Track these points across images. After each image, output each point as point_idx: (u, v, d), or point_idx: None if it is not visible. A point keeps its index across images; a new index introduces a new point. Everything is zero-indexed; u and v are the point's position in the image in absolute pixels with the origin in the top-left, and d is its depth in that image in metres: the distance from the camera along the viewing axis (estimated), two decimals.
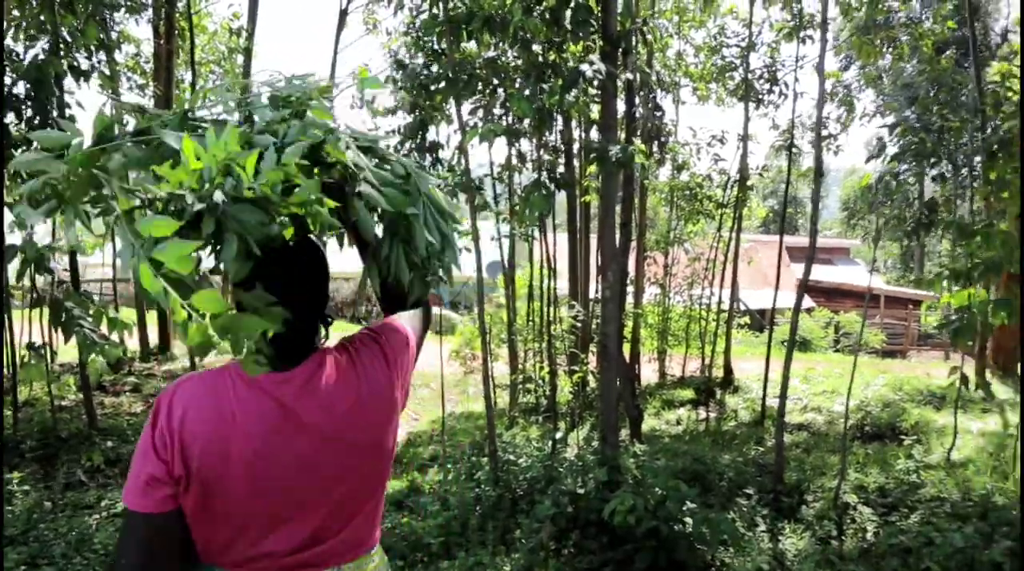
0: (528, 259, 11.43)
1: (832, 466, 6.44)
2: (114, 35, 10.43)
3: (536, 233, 9.09)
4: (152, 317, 10.40)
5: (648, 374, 11.35)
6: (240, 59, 11.61)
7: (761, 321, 21.46)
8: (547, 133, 5.99)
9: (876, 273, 39.87)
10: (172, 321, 1.20)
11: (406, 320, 1.85)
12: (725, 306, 10.53)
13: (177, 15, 10.36)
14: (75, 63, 5.73)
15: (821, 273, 31.02)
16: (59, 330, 5.23)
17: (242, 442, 1.52)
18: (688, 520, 4.62)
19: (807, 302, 27.47)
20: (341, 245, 1.75)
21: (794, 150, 8.29)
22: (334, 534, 1.64)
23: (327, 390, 1.60)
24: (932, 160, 7.53)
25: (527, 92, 3.98)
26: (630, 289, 9.95)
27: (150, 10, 10.22)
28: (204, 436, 1.51)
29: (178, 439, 1.50)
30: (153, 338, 10.31)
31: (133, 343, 10.17)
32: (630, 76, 4.47)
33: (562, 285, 9.81)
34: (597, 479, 5.02)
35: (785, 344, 20.21)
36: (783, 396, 6.00)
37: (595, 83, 4.36)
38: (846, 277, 30.91)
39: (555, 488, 5.03)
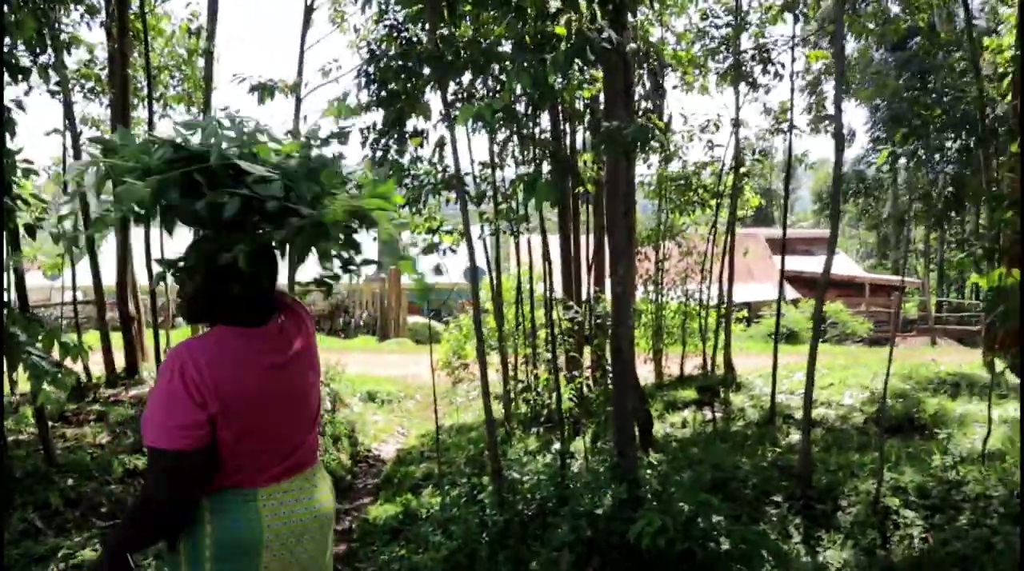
0: (507, 261, 10.93)
1: (862, 465, 5.97)
2: (64, 38, 9.81)
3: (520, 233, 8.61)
4: (117, 339, 9.74)
5: (644, 374, 10.86)
6: (201, 62, 10.99)
7: (748, 315, 21.09)
8: (539, 117, 5.47)
9: (854, 262, 39.85)
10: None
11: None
12: (721, 300, 10.10)
13: (131, 16, 9.73)
14: (12, 60, 5.14)
15: (802, 264, 30.80)
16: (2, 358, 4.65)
17: (255, 379, 1.98)
18: (723, 538, 4.13)
19: (791, 293, 27.22)
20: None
21: (795, 132, 7.84)
22: (307, 442, 2.16)
23: (290, 336, 2.13)
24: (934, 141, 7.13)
25: (526, 64, 3.48)
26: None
27: (103, 12, 9.62)
28: (228, 379, 1.90)
29: (211, 384, 1.86)
30: (120, 361, 9.66)
31: (98, 368, 9.52)
32: (635, 46, 4.00)
33: (547, 287, 9.33)
34: (616, 496, 4.52)
35: (771, 337, 19.80)
36: (808, 394, 5.54)
37: (597, 55, 3.88)
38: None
39: (570, 509, 4.52)
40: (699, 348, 10.57)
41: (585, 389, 7.22)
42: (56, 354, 4.76)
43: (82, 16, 9.85)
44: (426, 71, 4.96)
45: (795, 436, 7.48)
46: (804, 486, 5.43)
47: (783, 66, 7.85)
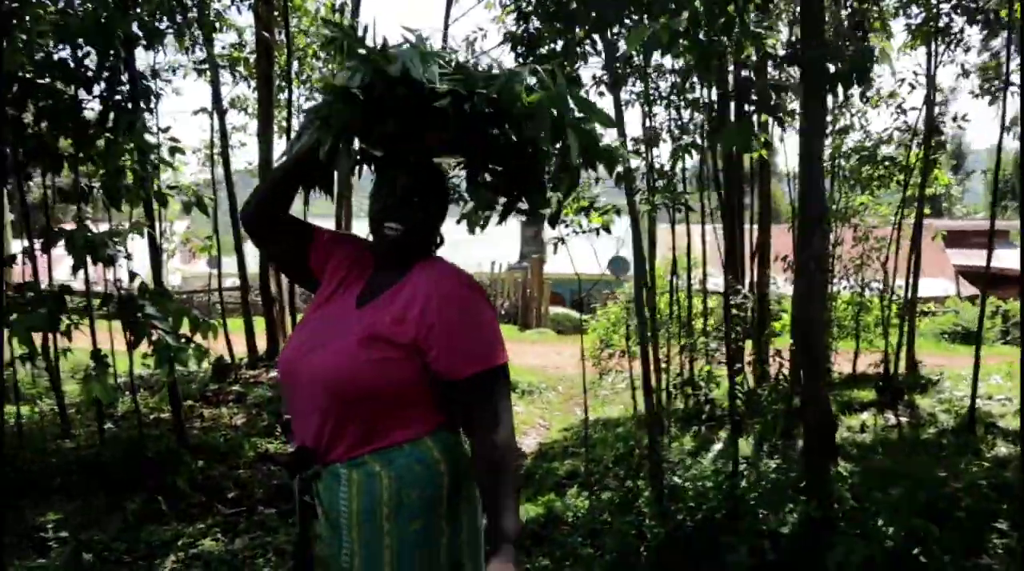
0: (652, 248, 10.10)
1: None
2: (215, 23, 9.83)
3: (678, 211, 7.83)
4: (260, 323, 9.70)
5: None
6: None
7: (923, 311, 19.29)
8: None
9: None
10: None
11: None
12: (902, 292, 8.93)
13: None
14: (147, 21, 4.88)
15: (979, 258, 28.10)
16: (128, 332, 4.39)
17: None
18: None
19: (966, 290, 24.85)
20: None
21: (1011, 91, 6.62)
22: None
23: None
24: None
25: None
26: (786, 275, 8.52)
27: None
28: None
29: None
30: (261, 344, 9.61)
31: (241, 350, 9.50)
32: None
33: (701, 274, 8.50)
34: (803, 514, 3.75)
35: (944, 336, 17.93)
36: None
37: None
38: (1009, 262, 27.87)
39: (747, 526, 3.78)
40: (874, 345, 9.43)
41: (751, 383, 6.39)
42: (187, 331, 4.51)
43: (232, 0, 9.86)
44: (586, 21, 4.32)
45: (1003, 448, 6.38)
46: None
47: (995, 15, 6.61)
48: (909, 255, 8.27)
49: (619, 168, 1.89)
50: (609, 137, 1.83)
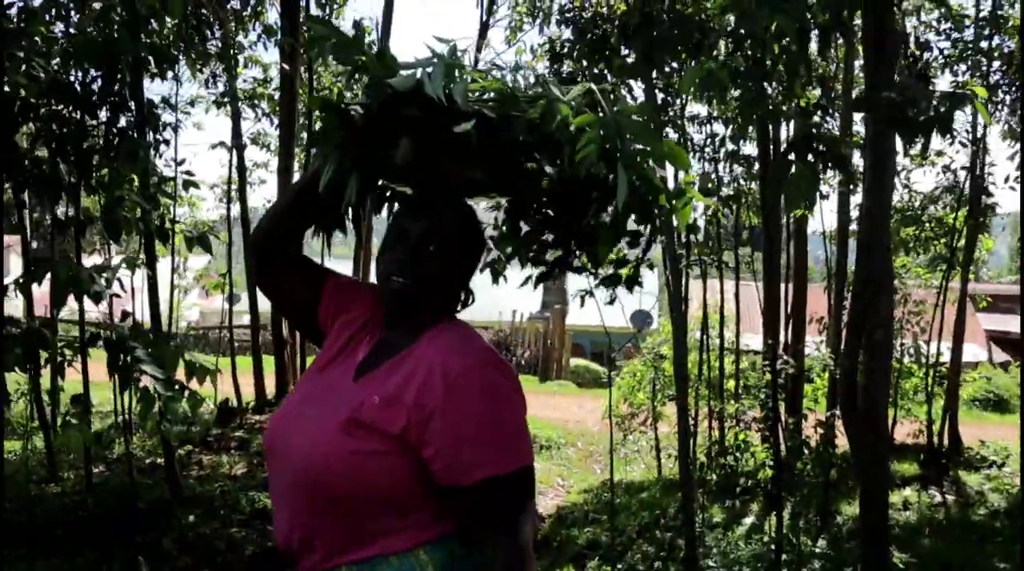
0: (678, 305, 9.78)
1: None
2: (240, 58, 9.68)
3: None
4: (269, 363, 9.35)
5: (842, 441, 9.33)
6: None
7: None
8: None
9: None
10: None
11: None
12: (944, 358, 8.48)
13: (303, 33, 9.44)
14: (157, 43, 4.62)
15: (1009, 323, 27.41)
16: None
17: None
18: None
19: (998, 356, 24.17)
20: None
21: None
22: None
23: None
24: None
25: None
26: (821, 337, 8.10)
27: (279, 32, 9.37)
28: None
29: None
30: (271, 387, 9.24)
31: (249, 392, 9.14)
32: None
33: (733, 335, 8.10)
34: None
35: (975, 404, 17.27)
36: None
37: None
38: None
39: None
40: (912, 413, 8.94)
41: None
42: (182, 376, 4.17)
43: (259, 37, 9.71)
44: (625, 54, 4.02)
45: None
46: None
47: None
48: (955, 320, 7.84)
49: (691, 218, 1.51)
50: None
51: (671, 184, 1.47)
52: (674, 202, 1.44)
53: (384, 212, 1.56)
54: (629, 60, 4.76)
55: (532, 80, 1.42)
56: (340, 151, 1.31)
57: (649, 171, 1.36)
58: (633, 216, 1.40)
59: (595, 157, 1.26)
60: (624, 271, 1.47)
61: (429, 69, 1.26)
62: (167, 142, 5.53)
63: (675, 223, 1.53)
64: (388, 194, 1.54)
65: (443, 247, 1.40)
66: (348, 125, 1.29)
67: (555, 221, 1.47)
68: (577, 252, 1.51)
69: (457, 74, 1.29)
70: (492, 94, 1.31)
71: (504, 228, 1.52)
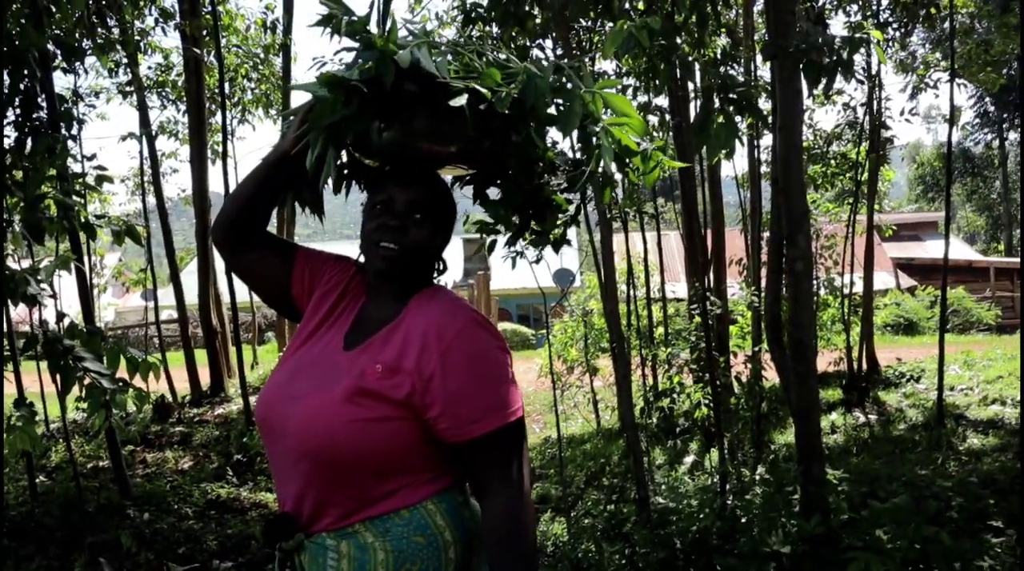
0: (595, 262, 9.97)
1: None
2: (141, 45, 9.36)
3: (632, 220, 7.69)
4: (202, 356, 9.22)
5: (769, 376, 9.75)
6: (278, 61, 10.42)
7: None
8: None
9: (967, 245, 37.26)
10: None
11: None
12: (856, 288, 8.93)
13: (204, 16, 9.19)
14: (60, 36, 4.48)
15: (913, 250, 28.80)
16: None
17: None
18: None
19: (904, 281, 25.38)
20: None
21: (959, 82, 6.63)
22: None
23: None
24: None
25: None
26: (740, 279, 8.43)
27: (177, 15, 9.08)
28: None
29: None
30: (205, 379, 9.12)
31: (183, 386, 9.00)
32: None
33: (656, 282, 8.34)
34: (803, 531, 3.54)
35: (888, 329, 18.13)
36: None
37: None
38: (940, 252, 28.62)
39: (746, 546, 3.55)
40: (831, 343, 9.41)
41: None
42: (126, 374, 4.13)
43: (156, 21, 9.40)
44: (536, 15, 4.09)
45: (974, 440, 6.33)
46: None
47: (938, 8, 6.59)
48: (864, 251, 8.26)
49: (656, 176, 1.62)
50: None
51: None
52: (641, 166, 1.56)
53: (348, 187, 1.61)
54: (539, 22, 4.86)
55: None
56: (329, 128, 1.36)
57: (624, 136, 1.47)
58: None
59: (573, 130, 1.39)
60: (554, 232, 1.55)
61: (420, 47, 1.33)
62: (74, 138, 5.38)
63: (641, 184, 1.65)
64: (346, 171, 1.59)
65: (428, 215, 1.49)
66: (359, 102, 1.33)
67: (515, 190, 1.56)
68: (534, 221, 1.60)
69: (439, 51, 1.36)
70: (474, 70, 1.39)
71: (501, 195, 1.58)
